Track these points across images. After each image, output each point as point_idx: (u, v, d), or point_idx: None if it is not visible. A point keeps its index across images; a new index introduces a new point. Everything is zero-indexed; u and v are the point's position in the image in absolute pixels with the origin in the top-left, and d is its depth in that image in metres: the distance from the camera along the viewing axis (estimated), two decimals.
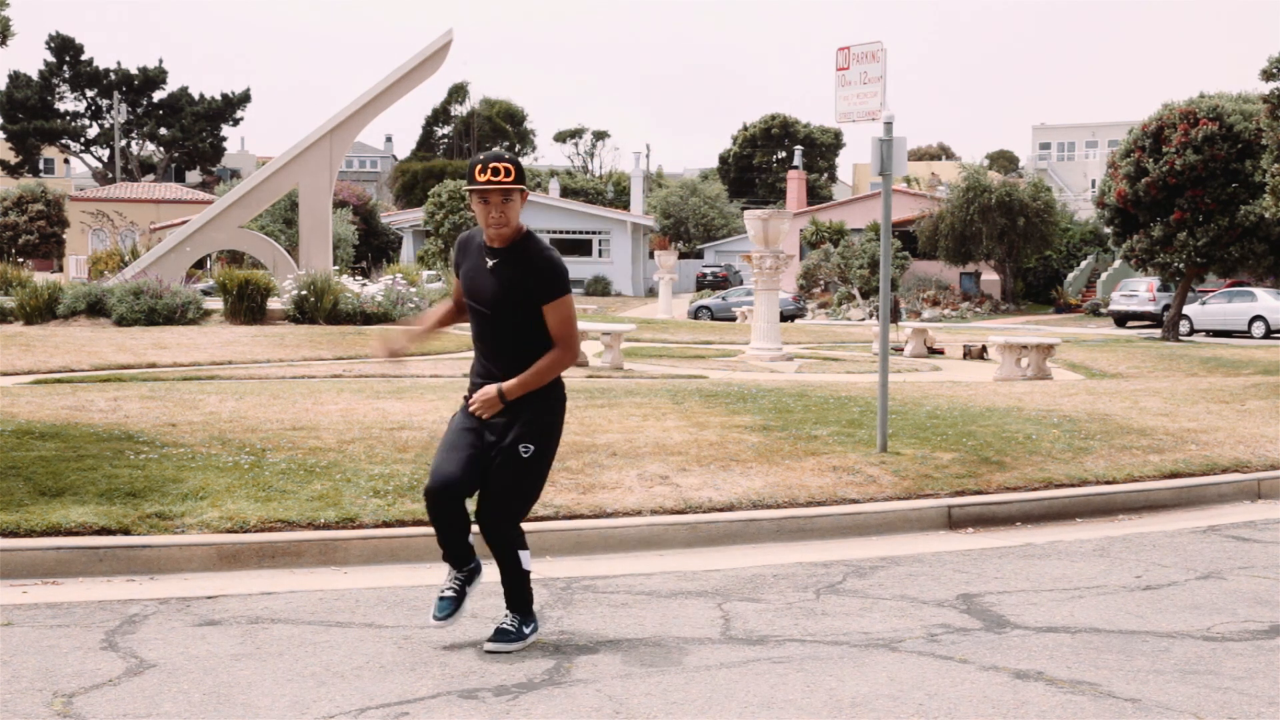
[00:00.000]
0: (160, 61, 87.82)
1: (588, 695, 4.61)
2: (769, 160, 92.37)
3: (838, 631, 5.52)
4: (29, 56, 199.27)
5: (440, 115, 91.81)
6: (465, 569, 5.20)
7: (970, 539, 7.68)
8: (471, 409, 5.11)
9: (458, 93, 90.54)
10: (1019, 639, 5.41)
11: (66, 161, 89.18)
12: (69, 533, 6.49)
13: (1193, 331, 37.22)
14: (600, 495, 7.64)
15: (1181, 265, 31.55)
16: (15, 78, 77.99)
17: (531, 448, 5.07)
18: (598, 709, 4.47)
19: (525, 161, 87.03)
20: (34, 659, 4.95)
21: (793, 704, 4.55)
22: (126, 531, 6.57)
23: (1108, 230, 35.41)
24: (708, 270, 67.06)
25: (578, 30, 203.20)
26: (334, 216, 34.93)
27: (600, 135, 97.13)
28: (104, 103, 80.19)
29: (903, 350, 23.69)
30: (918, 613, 5.84)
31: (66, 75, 79.58)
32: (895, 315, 31.80)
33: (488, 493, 5.09)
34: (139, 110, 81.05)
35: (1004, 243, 48.15)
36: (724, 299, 48.62)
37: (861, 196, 65.47)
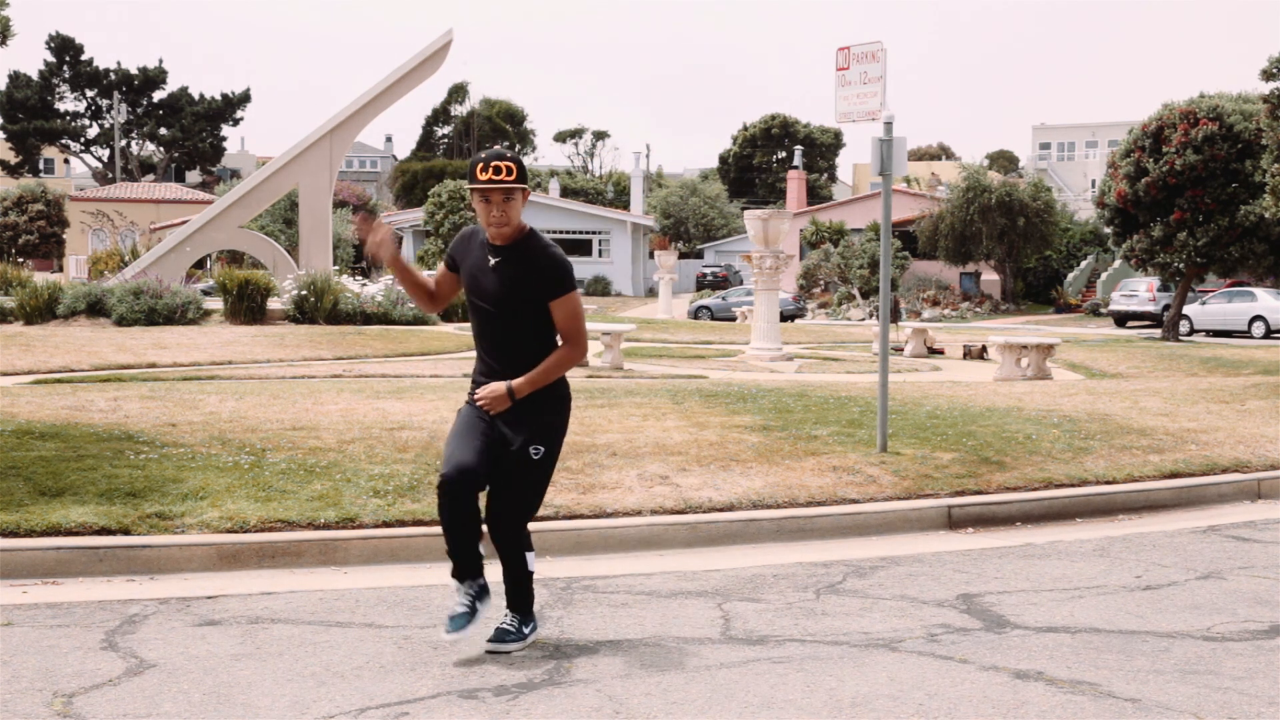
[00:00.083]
0: (160, 61, 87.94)
1: (588, 695, 4.61)
2: (769, 160, 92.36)
3: (838, 631, 5.52)
4: (29, 56, 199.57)
5: (440, 115, 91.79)
6: (476, 584, 5.08)
7: (970, 539, 7.68)
8: (479, 404, 5.09)
9: (458, 93, 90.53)
10: (1019, 639, 5.41)
11: (66, 161, 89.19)
12: (69, 533, 6.49)
13: (1193, 331, 37.23)
14: (600, 495, 7.64)
15: (1181, 265, 31.55)
16: (15, 78, 78.01)
17: (542, 449, 5.07)
18: (598, 709, 4.47)
19: (525, 161, 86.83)
20: (34, 659, 4.94)
21: (793, 704, 4.55)
22: (126, 531, 6.57)
23: (1108, 230, 35.41)
24: (708, 270, 67.00)
25: (578, 30, 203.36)
26: (334, 216, 34.92)
27: (600, 135, 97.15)
28: (104, 103, 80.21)
29: (903, 350, 23.69)
30: (918, 613, 5.84)
31: (66, 75, 79.59)
32: (895, 315, 31.82)
33: (499, 494, 5.08)
34: (139, 110, 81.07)
35: (1004, 243, 48.16)
36: (724, 299, 48.61)
37: (861, 196, 65.46)
